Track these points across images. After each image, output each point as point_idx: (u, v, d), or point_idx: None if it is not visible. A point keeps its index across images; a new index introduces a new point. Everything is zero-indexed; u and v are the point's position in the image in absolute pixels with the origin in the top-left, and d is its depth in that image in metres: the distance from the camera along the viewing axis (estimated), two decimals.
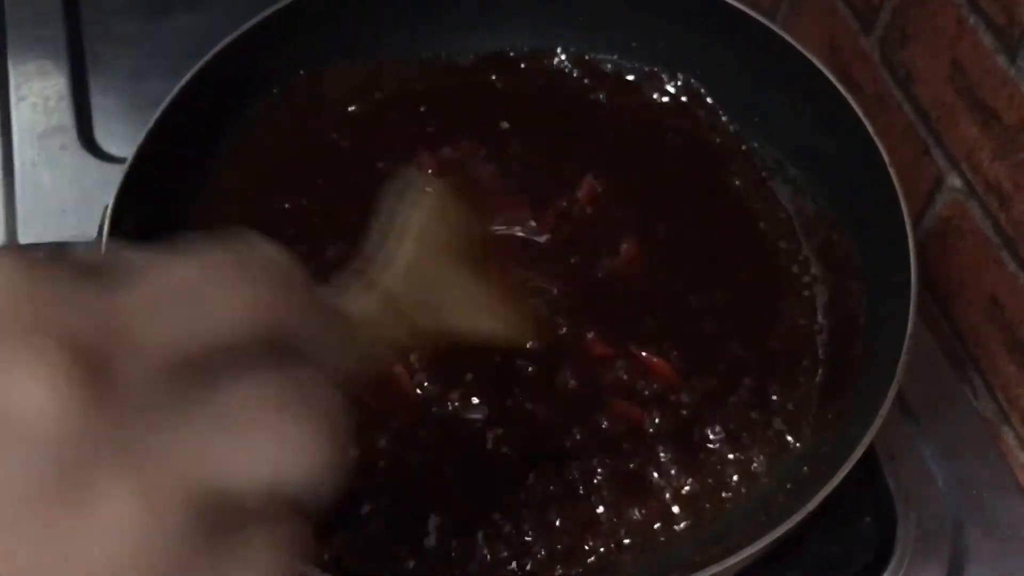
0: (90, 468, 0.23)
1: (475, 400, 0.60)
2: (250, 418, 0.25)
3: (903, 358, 0.55)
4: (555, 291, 0.63)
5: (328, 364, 0.28)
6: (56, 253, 0.26)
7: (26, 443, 0.23)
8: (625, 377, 0.61)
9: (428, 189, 0.46)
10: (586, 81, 0.75)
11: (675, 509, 0.58)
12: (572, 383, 0.60)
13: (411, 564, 0.55)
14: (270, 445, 0.25)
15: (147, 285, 0.25)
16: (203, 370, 0.25)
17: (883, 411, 0.53)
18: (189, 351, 0.25)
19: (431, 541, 0.56)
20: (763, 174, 0.71)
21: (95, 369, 0.23)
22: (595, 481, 0.58)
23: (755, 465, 0.59)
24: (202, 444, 0.24)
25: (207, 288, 0.26)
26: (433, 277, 0.44)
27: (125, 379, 0.24)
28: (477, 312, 0.46)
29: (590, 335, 0.62)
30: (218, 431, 0.24)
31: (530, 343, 0.55)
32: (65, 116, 0.81)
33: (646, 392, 0.61)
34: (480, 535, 0.56)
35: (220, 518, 0.24)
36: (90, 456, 0.23)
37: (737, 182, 0.71)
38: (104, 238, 0.57)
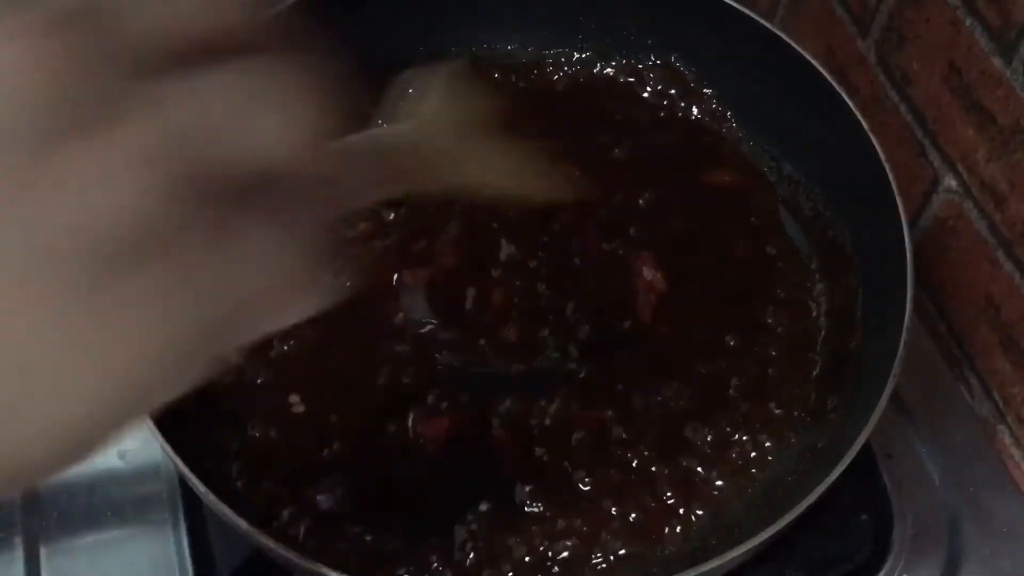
0: (69, 119, 0.22)
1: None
2: (235, 98, 0.24)
3: (900, 354, 0.55)
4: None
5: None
6: None
7: (7, 95, 0.22)
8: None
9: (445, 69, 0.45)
10: (580, 79, 0.76)
11: (673, 505, 0.58)
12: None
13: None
14: (255, 124, 0.24)
15: None
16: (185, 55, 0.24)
17: (880, 406, 0.53)
18: (166, 35, 0.24)
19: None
20: (760, 173, 0.72)
21: (66, 24, 0.22)
22: (595, 478, 0.58)
23: (752, 461, 0.59)
24: (187, 114, 0.24)
25: None
26: (455, 130, 0.43)
27: (107, 46, 0.23)
28: (496, 167, 0.45)
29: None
30: (202, 104, 0.24)
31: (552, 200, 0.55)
32: None
33: (643, 386, 0.61)
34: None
35: (214, 192, 0.24)
36: (70, 106, 0.22)
37: (734, 181, 0.71)
38: None
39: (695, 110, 0.74)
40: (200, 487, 0.51)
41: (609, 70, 0.76)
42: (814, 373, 0.63)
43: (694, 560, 0.51)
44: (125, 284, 0.22)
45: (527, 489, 0.58)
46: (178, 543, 0.60)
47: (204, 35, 0.25)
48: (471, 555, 0.56)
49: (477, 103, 0.45)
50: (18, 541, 0.60)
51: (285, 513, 0.56)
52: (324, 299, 0.27)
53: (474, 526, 0.57)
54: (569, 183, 0.52)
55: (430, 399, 0.60)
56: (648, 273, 0.65)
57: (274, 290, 0.25)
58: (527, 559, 0.56)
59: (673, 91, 0.75)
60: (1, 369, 0.22)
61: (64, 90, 0.22)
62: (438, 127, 0.42)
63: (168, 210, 0.23)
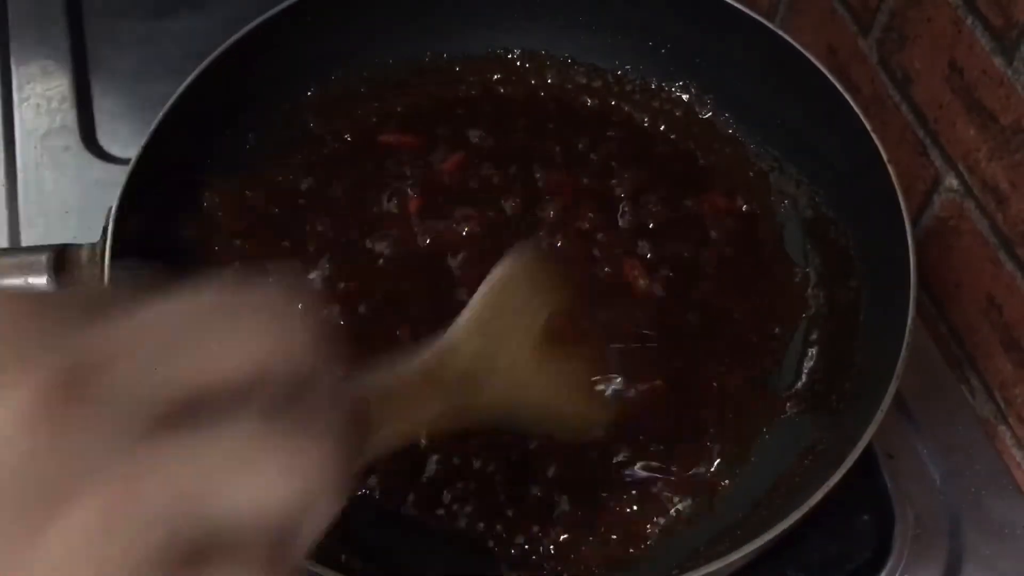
0: (55, 489, 0.23)
1: None
2: (226, 458, 0.25)
3: (902, 356, 0.55)
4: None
5: (323, 415, 0.27)
6: (54, 292, 0.26)
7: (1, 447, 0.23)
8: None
9: (508, 261, 0.46)
10: (582, 82, 0.76)
11: (676, 507, 0.58)
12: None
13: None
14: (245, 485, 0.25)
15: (137, 322, 0.25)
16: (185, 407, 0.25)
17: (882, 409, 0.53)
18: (171, 391, 0.25)
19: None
20: (762, 174, 0.71)
21: (72, 385, 0.23)
22: (598, 479, 0.58)
23: (755, 462, 0.59)
24: (176, 478, 0.24)
25: (198, 332, 0.26)
26: (490, 349, 0.43)
27: (104, 404, 0.24)
28: (527, 395, 0.45)
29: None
30: (193, 467, 0.24)
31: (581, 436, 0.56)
32: (68, 117, 0.81)
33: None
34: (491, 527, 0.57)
35: (193, 548, 0.24)
36: (54, 479, 0.23)
37: (736, 181, 0.71)
38: (109, 239, 0.57)
39: (694, 111, 0.74)
40: None
41: (606, 72, 0.76)
42: (817, 375, 0.63)
43: (697, 561, 0.51)
44: None
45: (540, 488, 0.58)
46: None
47: (223, 382, 0.25)
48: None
49: (530, 307, 0.45)
50: None
51: None
52: None
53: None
54: (604, 408, 0.53)
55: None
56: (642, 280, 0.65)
57: None
58: (535, 546, 0.56)
59: (672, 92, 0.75)
60: None
61: (57, 457, 0.23)
62: (468, 346, 0.42)
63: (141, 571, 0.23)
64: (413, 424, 0.38)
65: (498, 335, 0.44)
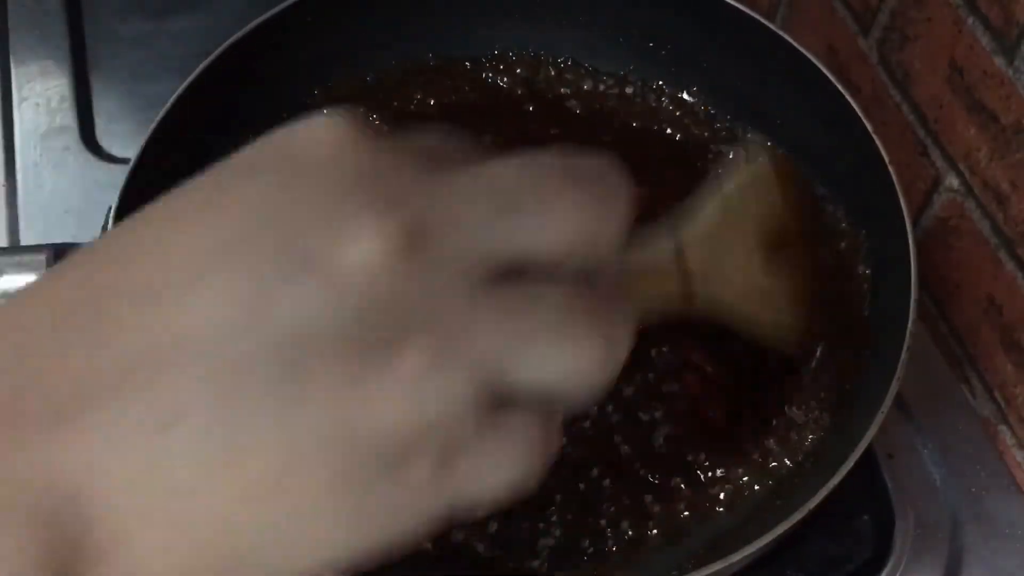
0: (395, 328, 0.24)
1: None
2: (543, 327, 0.26)
3: (903, 357, 0.55)
4: None
5: (615, 295, 0.29)
6: (400, 137, 0.27)
7: (347, 289, 0.24)
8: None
9: (750, 162, 0.46)
10: (582, 83, 0.76)
11: (676, 509, 0.58)
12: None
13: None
14: (557, 358, 0.26)
15: (478, 178, 0.26)
16: (513, 271, 0.26)
17: (883, 409, 0.53)
18: (503, 250, 0.26)
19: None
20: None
21: (417, 239, 0.24)
22: (602, 480, 0.58)
23: (755, 463, 0.59)
24: (498, 337, 0.25)
25: (532, 196, 0.26)
26: (725, 249, 0.44)
27: (441, 260, 0.25)
28: (752, 300, 0.46)
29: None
30: (513, 330, 0.25)
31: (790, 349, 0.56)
32: (67, 117, 0.81)
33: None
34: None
35: (494, 400, 0.25)
36: (397, 317, 0.24)
37: None
38: None
39: (694, 111, 0.74)
40: None
41: (607, 73, 0.75)
42: (817, 374, 0.63)
43: (696, 563, 0.51)
44: (392, 485, 0.24)
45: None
46: None
47: (546, 250, 0.26)
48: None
49: (767, 209, 0.46)
50: None
51: None
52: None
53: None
54: (798, 329, 0.52)
55: None
56: None
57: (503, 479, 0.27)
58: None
59: (670, 91, 0.74)
60: (279, 527, 0.24)
61: (398, 302, 0.24)
62: (706, 242, 0.43)
63: (463, 419, 0.25)
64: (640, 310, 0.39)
65: (729, 241, 0.44)
